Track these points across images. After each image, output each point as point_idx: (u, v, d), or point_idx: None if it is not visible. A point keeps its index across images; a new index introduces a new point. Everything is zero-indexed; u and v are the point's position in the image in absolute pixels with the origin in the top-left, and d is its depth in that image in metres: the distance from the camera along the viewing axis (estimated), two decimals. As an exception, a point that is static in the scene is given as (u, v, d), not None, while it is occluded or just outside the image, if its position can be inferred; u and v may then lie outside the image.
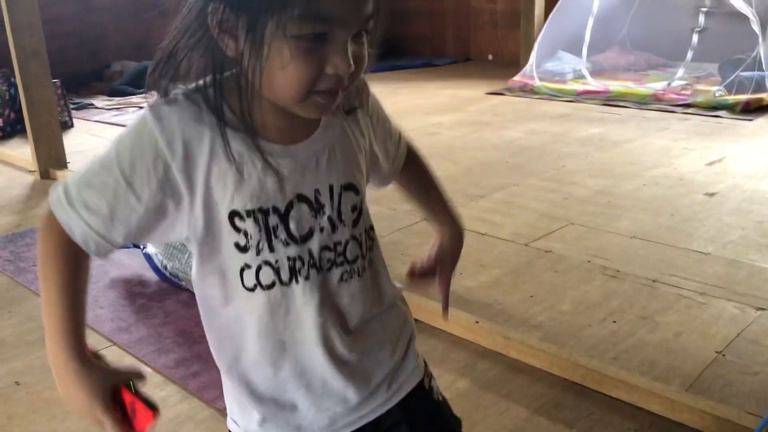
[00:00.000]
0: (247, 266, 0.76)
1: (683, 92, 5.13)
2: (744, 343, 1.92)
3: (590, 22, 5.80)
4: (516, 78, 5.86)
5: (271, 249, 0.75)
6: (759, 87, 4.82)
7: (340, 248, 0.79)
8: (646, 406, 1.66)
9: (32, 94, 3.69)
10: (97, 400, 0.75)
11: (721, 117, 4.65)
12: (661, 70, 6.04)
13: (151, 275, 2.49)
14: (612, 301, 2.19)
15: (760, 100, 4.76)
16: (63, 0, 6.35)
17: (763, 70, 4.86)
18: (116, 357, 2.01)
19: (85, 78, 6.48)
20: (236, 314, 0.80)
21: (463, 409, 1.69)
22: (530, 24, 6.22)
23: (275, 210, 0.74)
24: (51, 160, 3.82)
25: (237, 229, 0.74)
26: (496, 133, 4.38)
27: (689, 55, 5.40)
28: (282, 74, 0.68)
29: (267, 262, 0.76)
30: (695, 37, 5.37)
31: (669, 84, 5.32)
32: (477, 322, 1.99)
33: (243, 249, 0.75)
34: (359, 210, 0.81)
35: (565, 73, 5.85)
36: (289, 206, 0.75)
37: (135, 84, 6.17)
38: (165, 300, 2.34)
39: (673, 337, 1.96)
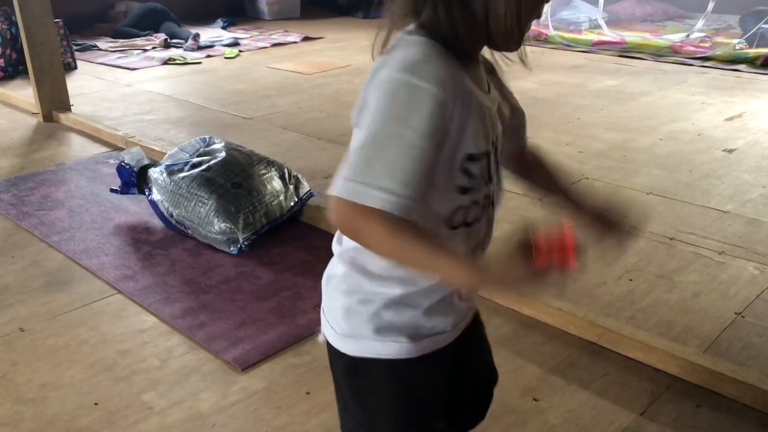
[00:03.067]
0: (459, 208, 0.81)
1: (702, 45, 4.99)
2: (764, 305, 1.87)
3: (609, -31, 5.61)
4: (530, 27, 5.70)
5: (479, 189, 0.82)
6: (781, 40, 4.68)
7: (500, 185, 0.89)
8: (664, 367, 1.62)
9: (33, 34, 3.59)
10: (513, 263, 0.74)
11: (740, 71, 4.52)
12: (678, 22, 5.88)
13: (156, 222, 2.44)
14: (628, 258, 2.13)
15: (782, 54, 4.63)
16: (64, -64, 6.14)
17: (786, 23, 4.71)
18: (121, 305, 1.98)
19: (89, 19, 6.32)
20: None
21: (475, 366, 1.66)
22: (546, -30, 6.03)
23: (487, 153, 0.81)
24: (54, 102, 3.74)
25: (466, 172, 0.79)
26: (509, 83, 4.26)
27: (710, 5, 5.22)
28: (525, 2, 0.78)
29: (475, 202, 0.82)
30: (717, -13, 5.19)
31: (687, 36, 5.17)
32: (490, 278, 1.95)
33: (465, 191, 0.80)
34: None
35: (580, 22, 5.70)
36: (490, 149, 0.82)
37: (140, 25, 6.02)
38: (171, 248, 2.30)
39: (691, 297, 1.92)
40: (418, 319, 0.87)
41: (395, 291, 0.86)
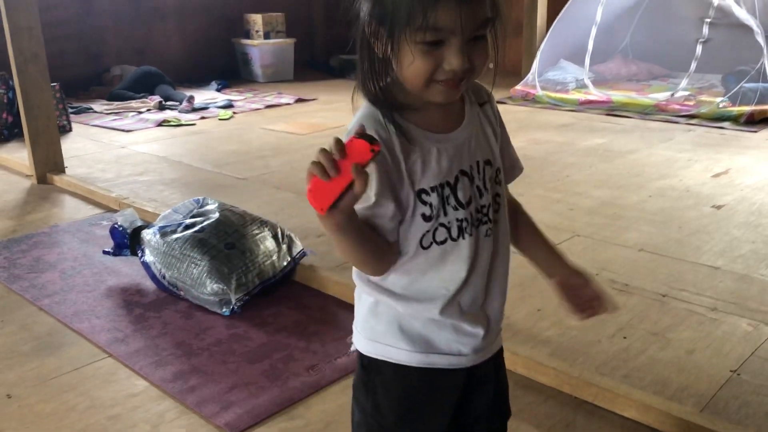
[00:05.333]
0: (427, 231, 0.96)
1: (686, 103, 5.10)
2: (759, 362, 1.87)
3: (593, 31, 5.77)
4: (518, 87, 5.82)
5: (445, 213, 0.96)
6: (763, 98, 4.79)
7: (485, 210, 1.00)
8: (661, 427, 1.60)
9: (31, 98, 3.64)
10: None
11: (725, 128, 4.61)
12: (663, 81, 6.02)
13: (149, 284, 2.43)
14: (621, 316, 2.13)
15: (764, 111, 4.73)
16: (63, 3, 6.30)
17: (767, 82, 4.83)
18: (111, 369, 1.95)
19: (85, 82, 6.43)
20: (409, 261, 0.98)
21: (471, 428, 1.64)
22: (532, 32, 6.19)
23: (447, 184, 0.96)
24: (48, 164, 3.77)
25: (424, 203, 0.95)
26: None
27: (693, 65, 5.36)
28: (410, 68, 0.90)
29: (441, 224, 0.96)
30: (699, 48, 5.33)
31: (672, 94, 5.28)
32: (484, 337, 1.94)
33: (428, 218, 0.95)
34: (494, 180, 1.02)
35: (567, 82, 5.82)
36: (456, 180, 0.96)
37: (135, 88, 6.12)
38: (163, 310, 2.28)
39: (685, 355, 1.91)
40: (431, 334, 0.99)
41: (403, 305, 0.99)
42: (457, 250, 0.97)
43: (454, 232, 0.96)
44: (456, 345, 1.00)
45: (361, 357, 1.04)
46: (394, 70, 0.93)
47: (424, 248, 0.96)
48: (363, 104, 0.96)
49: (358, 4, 0.93)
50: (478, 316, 1.01)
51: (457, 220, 0.96)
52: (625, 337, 2.01)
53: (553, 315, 2.14)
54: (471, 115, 1.01)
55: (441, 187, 0.95)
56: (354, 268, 1.01)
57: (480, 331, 1.01)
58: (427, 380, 1.01)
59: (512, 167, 1.10)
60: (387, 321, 1.00)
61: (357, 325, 1.05)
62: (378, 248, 0.94)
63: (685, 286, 2.32)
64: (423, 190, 0.94)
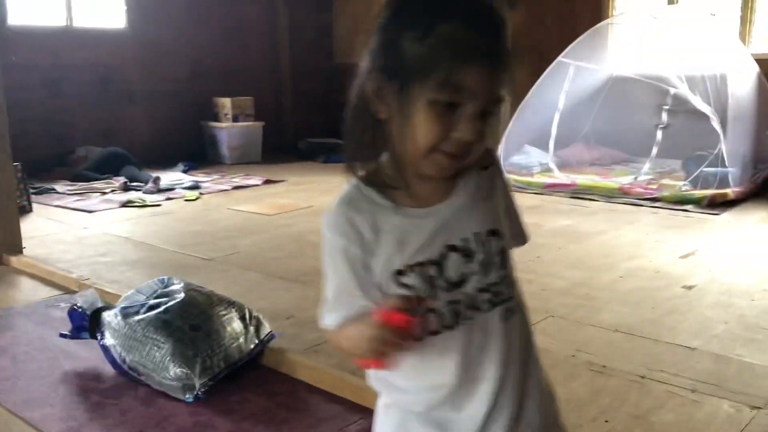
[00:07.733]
0: None
1: (650, 186, 5.21)
2: (745, 445, 1.81)
3: (556, 117, 5.93)
4: (485, 170, 5.90)
5: (433, 297, 0.87)
6: (723, 182, 4.93)
7: (494, 288, 0.91)
8: None
9: (-9, 177, 3.55)
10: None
11: (688, 211, 4.70)
12: (624, 165, 6.17)
13: (108, 369, 2.30)
14: (602, 398, 2.07)
15: (725, 195, 4.85)
16: (30, 85, 6.28)
17: (726, 166, 4.98)
18: (64, 462, 1.81)
19: (48, 163, 6.34)
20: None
21: None
22: (497, 118, 6.33)
23: (431, 261, 0.87)
24: (5, 245, 3.63)
25: (401, 285, 0.87)
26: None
27: (654, 150, 5.52)
28: (416, 131, 0.82)
29: (430, 310, 0.87)
30: (659, 133, 5.50)
31: (636, 178, 5.40)
32: (462, 422, 1.85)
33: None
34: (504, 252, 0.93)
35: (532, 166, 5.93)
36: (442, 256, 0.88)
37: (100, 169, 6.05)
38: (121, 396, 2.15)
39: (670, 439, 1.85)
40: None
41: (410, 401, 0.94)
42: (460, 340, 0.90)
43: (449, 319, 0.89)
44: None
45: None
46: (388, 143, 0.87)
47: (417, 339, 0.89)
48: (345, 187, 0.92)
49: (362, 59, 0.87)
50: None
51: (449, 303, 0.89)
52: (607, 421, 1.94)
53: (532, 398, 2.07)
54: (466, 183, 0.93)
55: (420, 266, 0.88)
56: (368, 374, 0.97)
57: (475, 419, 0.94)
58: None
59: (514, 236, 1.01)
60: (394, 425, 0.94)
61: None
62: None
63: (663, 367, 2.27)
64: (399, 272, 0.88)
